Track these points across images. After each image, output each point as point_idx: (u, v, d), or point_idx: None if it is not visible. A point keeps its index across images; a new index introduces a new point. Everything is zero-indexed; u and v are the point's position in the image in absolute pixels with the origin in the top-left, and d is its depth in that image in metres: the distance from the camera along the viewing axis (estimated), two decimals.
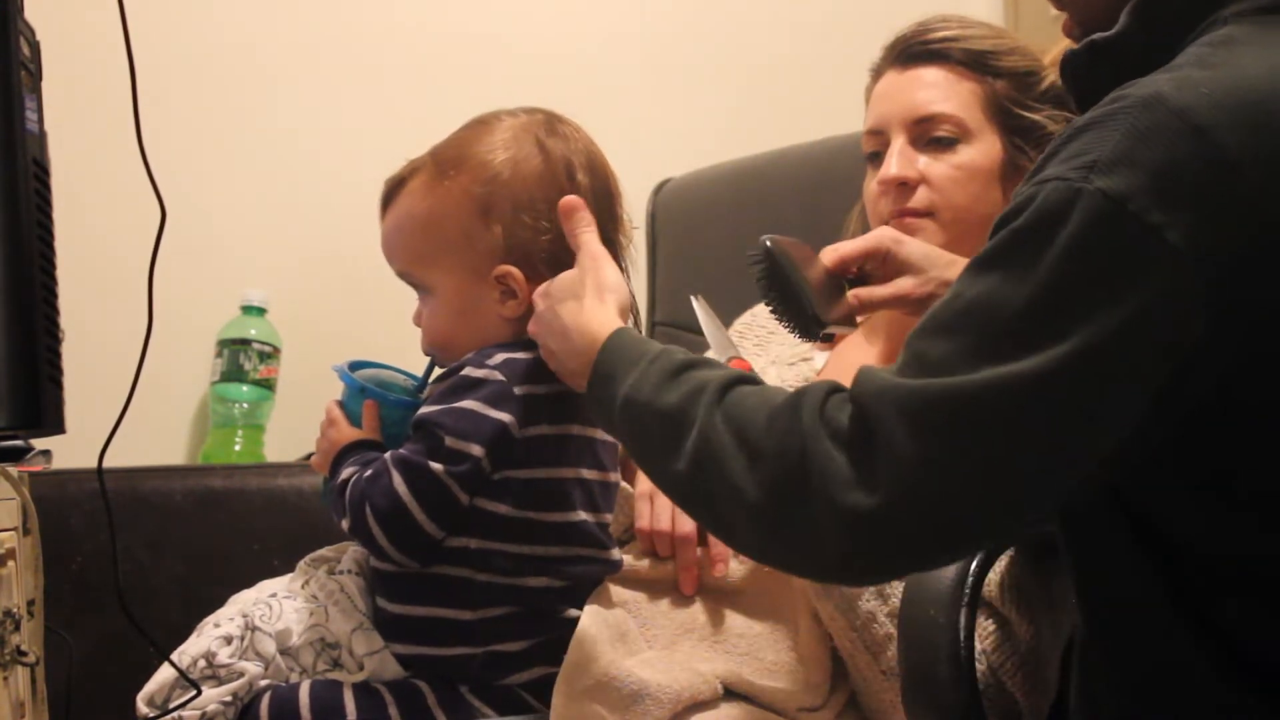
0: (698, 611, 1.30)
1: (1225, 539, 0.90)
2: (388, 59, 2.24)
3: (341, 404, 1.31)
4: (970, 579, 1.10)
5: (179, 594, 1.76)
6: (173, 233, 1.13)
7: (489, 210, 1.26)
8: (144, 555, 1.80)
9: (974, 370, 0.85)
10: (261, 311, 2.12)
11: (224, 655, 1.22)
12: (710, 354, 1.38)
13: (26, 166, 1.01)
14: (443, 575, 1.23)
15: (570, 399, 1.24)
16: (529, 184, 1.26)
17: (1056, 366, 0.83)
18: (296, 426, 2.03)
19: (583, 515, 1.26)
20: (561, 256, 1.25)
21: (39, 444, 1.23)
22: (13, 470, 1.18)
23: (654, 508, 1.34)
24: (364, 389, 1.30)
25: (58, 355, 1.03)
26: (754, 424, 0.94)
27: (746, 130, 2.30)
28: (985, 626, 1.22)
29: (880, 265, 1.27)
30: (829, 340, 1.25)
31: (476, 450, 1.20)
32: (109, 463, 1.14)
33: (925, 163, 1.47)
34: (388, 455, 1.22)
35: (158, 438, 2.09)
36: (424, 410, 1.23)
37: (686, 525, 1.32)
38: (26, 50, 1.03)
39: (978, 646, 1.16)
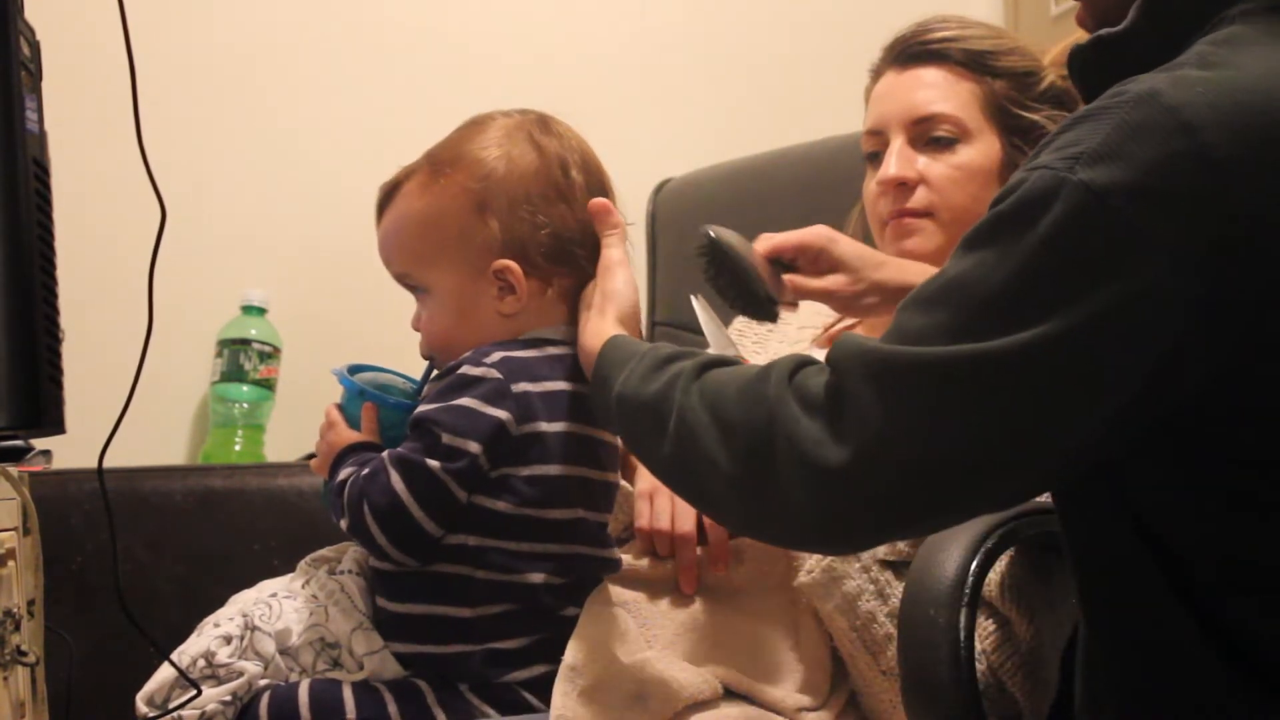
0: (698, 611, 1.30)
1: (1225, 539, 0.90)
2: (387, 60, 2.25)
3: (340, 407, 1.31)
4: (970, 579, 1.10)
5: (179, 594, 1.76)
6: (173, 233, 1.13)
7: (485, 206, 1.26)
8: (144, 555, 1.80)
9: (947, 344, 0.87)
10: (261, 311, 2.13)
11: (224, 655, 1.22)
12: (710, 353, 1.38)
13: (26, 166, 1.01)
14: (441, 573, 1.23)
15: (569, 397, 1.24)
16: (524, 179, 1.27)
17: (1024, 350, 0.84)
18: (296, 426, 2.03)
19: (582, 513, 1.26)
20: (559, 251, 1.26)
21: (39, 444, 1.23)
22: (13, 470, 1.18)
23: (654, 507, 1.34)
24: (363, 391, 1.30)
25: (58, 355, 1.03)
26: (726, 398, 0.99)
27: (746, 130, 2.30)
28: (985, 626, 1.22)
29: (812, 261, 1.32)
30: (773, 319, 1.32)
31: (474, 447, 1.20)
32: (109, 463, 1.14)
33: (924, 163, 1.47)
34: (385, 454, 1.23)
35: (158, 438, 2.09)
36: (421, 408, 1.23)
37: (686, 524, 1.32)
38: (26, 50, 1.03)
39: (978, 646, 1.16)
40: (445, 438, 1.20)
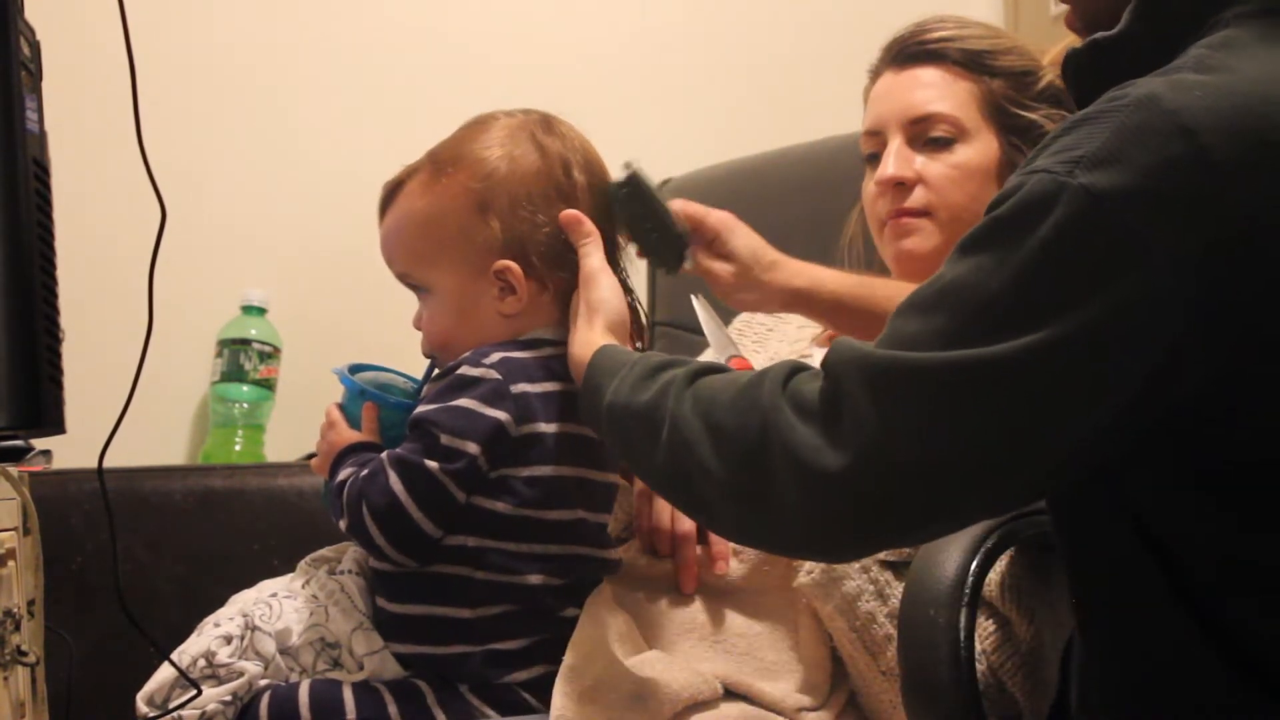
0: (698, 611, 1.30)
1: (1225, 540, 0.90)
2: (388, 60, 2.24)
3: (341, 406, 1.31)
4: (970, 579, 1.10)
5: (179, 594, 1.76)
6: (173, 233, 1.13)
7: (487, 205, 1.26)
8: (144, 555, 1.80)
9: (944, 349, 0.86)
10: (261, 311, 2.12)
11: (224, 655, 1.22)
12: (710, 353, 1.38)
13: (26, 166, 1.01)
14: (441, 574, 1.23)
15: (568, 398, 1.24)
16: (526, 180, 1.27)
17: (1022, 355, 0.84)
18: (296, 426, 2.03)
19: (582, 514, 1.26)
20: (559, 252, 1.26)
21: (39, 444, 1.23)
22: (13, 470, 1.18)
23: (653, 506, 1.34)
24: (363, 391, 1.30)
25: (58, 355, 1.03)
26: (719, 405, 0.98)
27: (746, 130, 2.30)
28: (985, 626, 1.22)
29: (709, 243, 1.35)
30: (679, 267, 1.35)
31: (472, 448, 1.20)
32: (109, 463, 1.14)
33: (922, 163, 1.47)
34: (384, 455, 1.23)
35: (158, 438, 2.09)
36: (420, 409, 1.23)
37: (686, 523, 1.32)
38: (26, 50, 1.03)
39: (978, 646, 1.16)
40: (444, 438, 1.20)
